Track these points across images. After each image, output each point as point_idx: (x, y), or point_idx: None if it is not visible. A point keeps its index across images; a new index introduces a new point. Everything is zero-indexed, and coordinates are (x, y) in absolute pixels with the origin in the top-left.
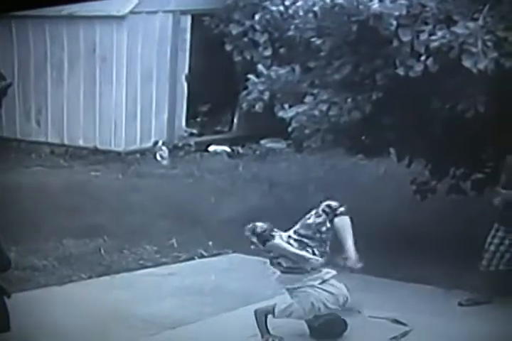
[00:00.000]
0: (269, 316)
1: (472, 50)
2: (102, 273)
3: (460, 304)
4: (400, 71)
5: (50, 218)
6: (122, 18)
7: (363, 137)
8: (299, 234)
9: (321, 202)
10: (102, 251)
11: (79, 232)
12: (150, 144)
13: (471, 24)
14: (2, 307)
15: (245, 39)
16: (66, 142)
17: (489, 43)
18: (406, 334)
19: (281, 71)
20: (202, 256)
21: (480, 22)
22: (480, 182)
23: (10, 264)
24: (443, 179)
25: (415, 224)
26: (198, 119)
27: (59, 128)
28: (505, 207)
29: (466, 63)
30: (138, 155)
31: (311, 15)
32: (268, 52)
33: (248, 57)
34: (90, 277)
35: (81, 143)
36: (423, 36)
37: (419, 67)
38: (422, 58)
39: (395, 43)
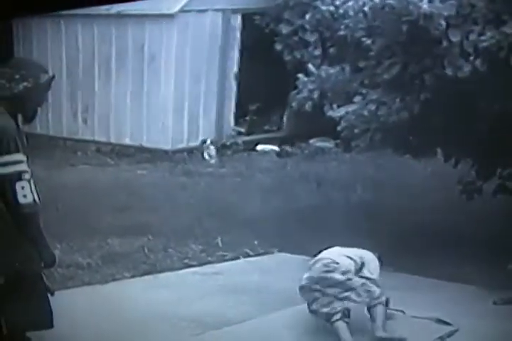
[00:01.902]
0: None
1: None
2: (146, 272)
3: (494, 303)
4: (449, 71)
5: (95, 216)
6: (172, 16)
7: (411, 137)
8: None
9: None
10: (146, 250)
11: (124, 231)
12: (198, 143)
13: None
14: (46, 305)
15: (295, 38)
16: (112, 140)
17: None
18: (452, 334)
19: (331, 70)
20: (247, 256)
21: None
22: None
23: (55, 261)
24: (489, 179)
25: (461, 223)
26: (247, 118)
27: (105, 127)
28: None
29: None
30: (185, 154)
31: (361, 15)
32: (318, 52)
33: (298, 57)
34: (134, 276)
35: (127, 141)
36: (472, 36)
37: (467, 68)
38: (471, 58)
39: (445, 43)
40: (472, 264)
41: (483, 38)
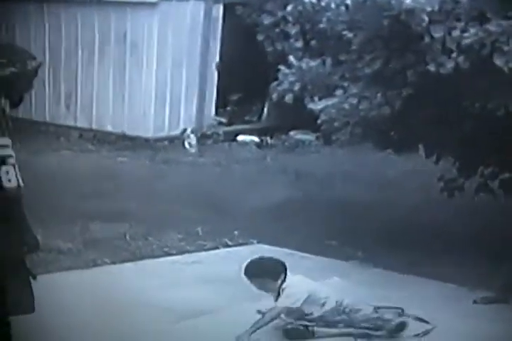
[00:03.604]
0: None
1: (504, 48)
2: (126, 258)
3: (475, 302)
4: (431, 67)
5: (76, 201)
6: (154, 5)
7: (392, 132)
8: None
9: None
10: (128, 237)
11: (105, 217)
12: (178, 131)
13: (504, 22)
14: (28, 289)
15: (277, 30)
16: (94, 127)
17: None
18: (428, 333)
19: (312, 63)
20: (227, 246)
21: None
22: (508, 182)
23: (38, 245)
24: (471, 177)
25: (441, 221)
26: (228, 108)
27: (88, 113)
28: None
29: (498, 61)
30: (166, 142)
31: (343, 8)
32: (299, 44)
33: (279, 48)
34: (114, 262)
35: (109, 128)
36: (455, 33)
37: (450, 64)
38: (454, 55)
39: (427, 39)
40: (453, 262)
41: (466, 34)
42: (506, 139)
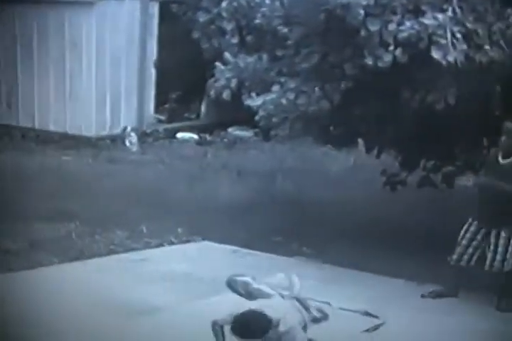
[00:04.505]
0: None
1: (441, 41)
2: (74, 257)
3: (423, 296)
4: (369, 61)
5: (21, 201)
6: (90, 4)
7: (331, 127)
8: None
9: None
10: (74, 236)
11: (51, 216)
12: (120, 130)
13: (440, 15)
14: None
15: (213, 26)
16: (37, 126)
17: (458, 35)
18: (378, 328)
19: (249, 59)
20: (172, 243)
21: (449, 13)
22: (451, 175)
23: None
24: (413, 171)
25: (387, 216)
26: (167, 106)
27: (30, 113)
28: (479, 201)
29: (436, 55)
30: (108, 141)
31: (277, 3)
32: (235, 40)
33: (216, 45)
34: (62, 262)
35: (52, 127)
36: (391, 26)
37: (387, 58)
38: (391, 48)
39: (363, 33)
40: (401, 257)
41: (402, 28)
42: (447, 132)
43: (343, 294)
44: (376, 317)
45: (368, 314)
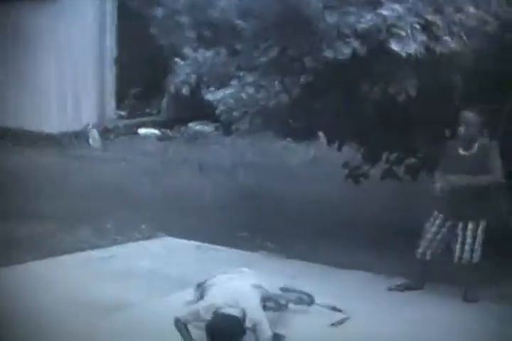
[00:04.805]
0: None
1: (401, 33)
2: (40, 256)
3: (389, 289)
4: (328, 54)
5: None
6: (49, 1)
7: (291, 120)
8: None
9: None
10: (40, 235)
11: (15, 215)
12: (81, 127)
13: (398, 7)
14: None
15: (170, 22)
16: None
17: (418, 26)
18: (343, 322)
19: (207, 54)
20: (136, 239)
21: (408, 4)
22: (413, 167)
23: None
24: (376, 163)
25: (350, 209)
26: (128, 102)
27: None
28: (445, 195)
29: (395, 47)
30: (71, 138)
31: None
32: (193, 35)
33: (174, 40)
34: (26, 261)
35: (12, 124)
36: (350, 18)
37: (347, 50)
38: (350, 41)
39: (322, 25)
40: (366, 250)
41: (360, 20)
42: (409, 124)
43: (309, 289)
44: (341, 311)
45: (334, 308)
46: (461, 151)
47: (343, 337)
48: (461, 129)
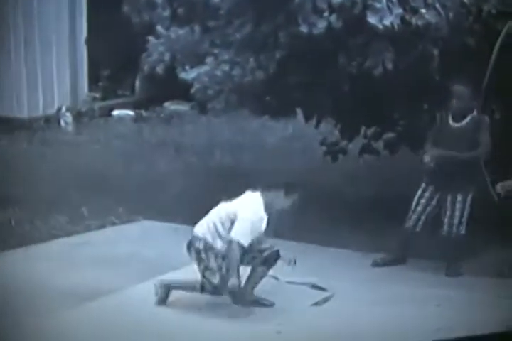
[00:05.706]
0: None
1: (376, 5)
2: (14, 244)
3: (375, 262)
4: (303, 28)
5: None
6: None
7: (268, 97)
8: None
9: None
10: (13, 223)
11: None
12: (54, 110)
13: None
14: None
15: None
16: None
17: None
18: (327, 300)
19: (181, 31)
20: (113, 224)
21: None
22: (392, 142)
23: None
24: (354, 139)
25: (330, 186)
26: (101, 83)
27: None
28: (434, 168)
29: (371, 19)
30: (42, 122)
31: None
32: (166, 13)
33: (146, 18)
34: (3, 249)
35: None
36: None
37: (322, 24)
38: (325, 15)
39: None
40: (346, 228)
41: None
42: (386, 98)
43: (289, 268)
44: (324, 289)
45: (316, 287)
46: (452, 123)
47: (326, 315)
48: (454, 102)
